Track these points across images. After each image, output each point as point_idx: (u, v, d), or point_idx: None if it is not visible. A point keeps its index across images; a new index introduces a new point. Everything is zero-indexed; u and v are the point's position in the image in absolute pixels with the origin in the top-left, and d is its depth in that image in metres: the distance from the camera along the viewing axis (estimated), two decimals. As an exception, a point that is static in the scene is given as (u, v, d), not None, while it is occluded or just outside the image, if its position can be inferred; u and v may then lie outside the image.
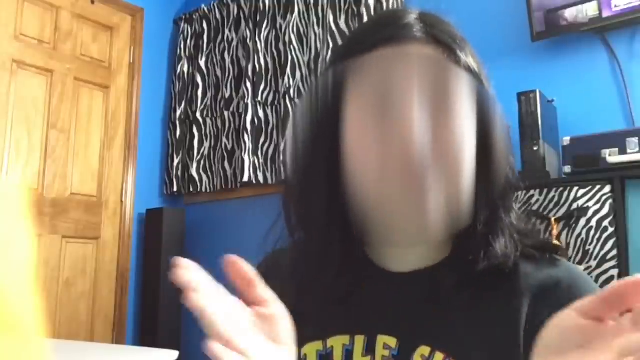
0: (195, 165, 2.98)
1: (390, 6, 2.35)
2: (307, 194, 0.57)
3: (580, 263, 1.48)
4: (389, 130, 0.50)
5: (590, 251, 1.47)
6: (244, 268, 0.41)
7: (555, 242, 0.59)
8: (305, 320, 0.58)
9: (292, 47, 2.65)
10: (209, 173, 2.96)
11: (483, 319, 0.52)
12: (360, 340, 0.56)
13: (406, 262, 0.58)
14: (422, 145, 0.49)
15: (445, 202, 0.50)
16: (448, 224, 0.52)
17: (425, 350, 0.52)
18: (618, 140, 1.54)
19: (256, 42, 2.78)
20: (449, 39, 0.54)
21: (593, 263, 1.47)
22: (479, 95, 0.53)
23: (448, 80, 0.51)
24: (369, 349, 0.55)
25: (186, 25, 3.20)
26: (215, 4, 3.07)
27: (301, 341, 0.57)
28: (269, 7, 2.80)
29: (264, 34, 2.79)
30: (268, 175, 2.70)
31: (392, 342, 0.54)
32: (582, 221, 1.50)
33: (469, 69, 0.53)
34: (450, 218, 0.52)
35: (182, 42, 3.18)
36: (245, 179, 2.68)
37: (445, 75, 0.51)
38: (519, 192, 0.56)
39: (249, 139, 2.71)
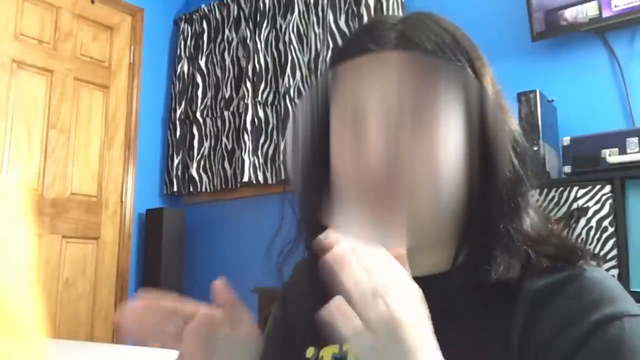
0: (195, 165, 2.98)
1: (390, 6, 2.35)
2: (305, 198, 0.58)
3: (580, 263, 1.47)
4: (358, 140, 0.51)
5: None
6: (228, 293, 0.50)
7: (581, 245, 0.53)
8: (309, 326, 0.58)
9: (292, 47, 2.65)
10: (209, 173, 2.96)
11: (484, 334, 0.50)
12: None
13: (419, 265, 0.55)
14: (388, 155, 0.48)
15: (425, 209, 0.49)
16: (436, 230, 0.51)
17: None
18: (618, 140, 1.54)
19: (256, 42, 2.78)
20: (427, 43, 0.51)
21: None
22: (475, 97, 0.51)
23: (421, 85, 0.50)
24: None
25: (186, 25, 3.20)
26: (215, 4, 3.07)
27: (317, 344, 0.57)
28: (269, 7, 2.80)
29: (264, 34, 2.79)
30: (268, 175, 2.70)
31: None
32: (582, 221, 1.50)
33: (455, 71, 0.51)
34: (437, 224, 0.51)
35: (182, 42, 3.18)
36: (245, 179, 2.68)
37: (418, 80, 0.50)
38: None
39: (249, 139, 2.71)
